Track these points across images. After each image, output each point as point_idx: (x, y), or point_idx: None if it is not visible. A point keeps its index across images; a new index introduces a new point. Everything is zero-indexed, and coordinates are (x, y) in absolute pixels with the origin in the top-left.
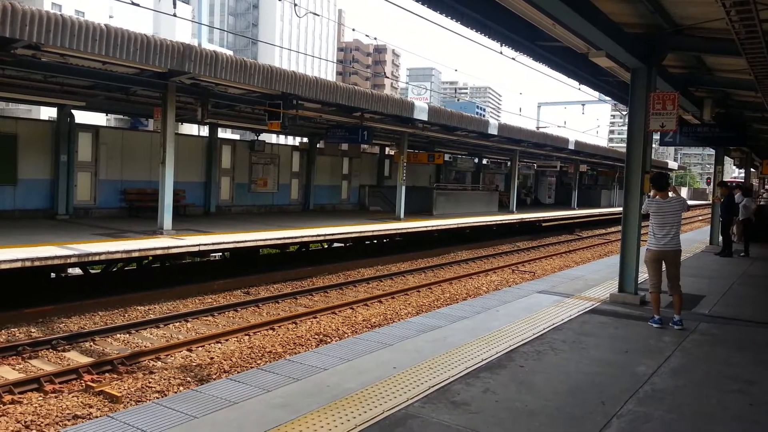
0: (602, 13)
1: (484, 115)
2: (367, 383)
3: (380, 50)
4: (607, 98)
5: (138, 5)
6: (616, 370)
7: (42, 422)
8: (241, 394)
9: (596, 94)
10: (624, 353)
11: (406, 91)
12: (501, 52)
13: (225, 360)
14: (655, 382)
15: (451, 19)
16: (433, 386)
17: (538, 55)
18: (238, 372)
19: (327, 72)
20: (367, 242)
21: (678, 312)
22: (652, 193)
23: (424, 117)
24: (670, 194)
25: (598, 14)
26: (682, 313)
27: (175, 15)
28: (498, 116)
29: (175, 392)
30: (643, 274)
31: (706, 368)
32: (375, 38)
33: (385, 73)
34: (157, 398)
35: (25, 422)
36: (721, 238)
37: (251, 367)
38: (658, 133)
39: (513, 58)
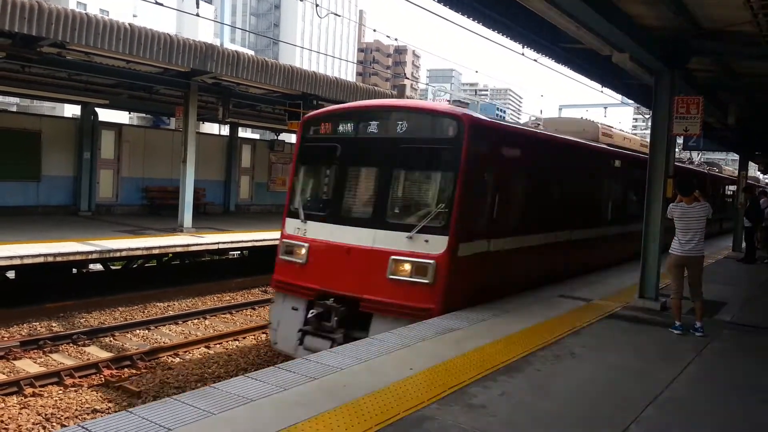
0: (626, 15)
1: (504, 118)
2: (384, 384)
3: (400, 51)
4: (630, 101)
5: (162, 5)
6: (635, 376)
7: (62, 415)
8: (259, 392)
9: (619, 96)
10: (643, 359)
11: (426, 92)
12: (523, 54)
13: (242, 357)
14: (675, 389)
15: (474, 20)
16: (449, 388)
17: (561, 57)
18: (255, 370)
19: (347, 72)
20: None
21: (699, 319)
22: (677, 198)
23: None
24: (695, 200)
25: (622, 16)
26: (704, 319)
27: (198, 15)
28: (519, 118)
29: (193, 388)
30: (665, 280)
31: (728, 376)
32: (396, 39)
33: (405, 73)
34: (175, 394)
35: (45, 415)
36: (744, 244)
37: (268, 365)
38: (682, 137)
39: (535, 60)
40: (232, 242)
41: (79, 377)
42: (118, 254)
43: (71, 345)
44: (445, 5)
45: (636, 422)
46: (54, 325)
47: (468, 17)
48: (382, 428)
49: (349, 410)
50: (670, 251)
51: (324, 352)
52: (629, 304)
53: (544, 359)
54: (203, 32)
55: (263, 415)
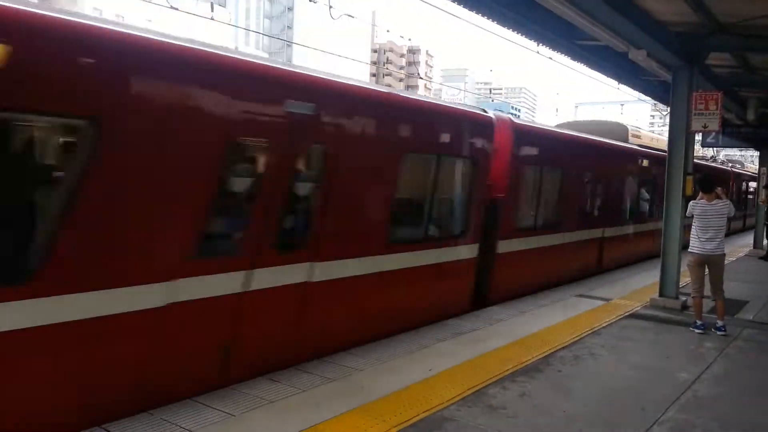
0: (643, 12)
1: (518, 116)
2: (403, 385)
3: (414, 51)
4: (647, 98)
5: (176, 9)
6: (657, 376)
7: None
8: (278, 394)
9: (635, 93)
10: (665, 359)
11: (440, 93)
12: (537, 52)
13: None
14: (698, 389)
15: (488, 18)
16: (469, 389)
17: (576, 54)
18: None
19: (361, 73)
20: None
21: (721, 317)
22: (698, 196)
23: None
24: (716, 197)
25: (639, 12)
26: (725, 318)
27: (212, 18)
28: (533, 116)
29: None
30: (685, 278)
31: (751, 375)
32: (409, 39)
33: (419, 73)
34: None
35: None
36: (765, 241)
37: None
38: (700, 133)
39: (550, 58)
40: None
41: None
42: None
43: None
44: (459, 4)
45: (658, 423)
46: None
47: (482, 15)
48: (401, 429)
49: (368, 411)
50: (689, 250)
51: (343, 353)
52: (649, 303)
53: (564, 360)
54: (217, 36)
55: (283, 416)
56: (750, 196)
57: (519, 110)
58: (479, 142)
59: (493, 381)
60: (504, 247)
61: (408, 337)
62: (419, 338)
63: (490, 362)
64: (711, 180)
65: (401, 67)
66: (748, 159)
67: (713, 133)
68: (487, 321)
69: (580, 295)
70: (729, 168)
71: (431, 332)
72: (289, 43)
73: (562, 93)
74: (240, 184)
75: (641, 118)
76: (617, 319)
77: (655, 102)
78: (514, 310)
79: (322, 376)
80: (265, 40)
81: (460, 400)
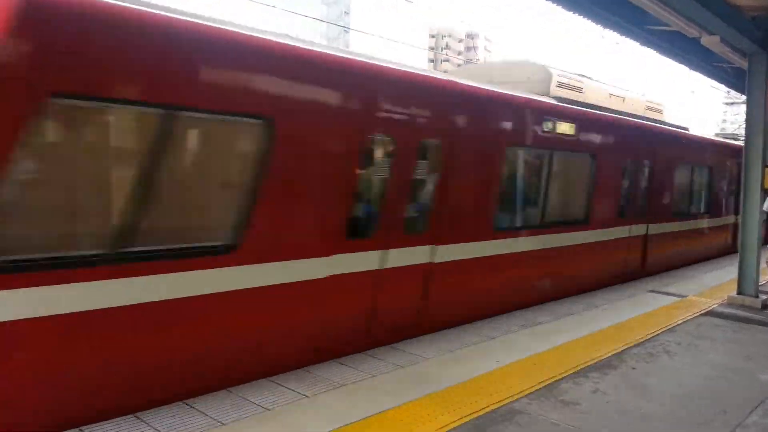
0: None
1: None
2: (470, 375)
3: (472, 36)
4: (721, 85)
5: None
6: (737, 377)
7: None
8: (347, 378)
9: (708, 81)
10: (745, 359)
11: None
12: (602, 37)
13: None
14: None
15: (554, 3)
16: (540, 383)
17: (645, 40)
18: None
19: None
20: None
21: None
22: None
23: None
24: None
25: None
26: None
27: (274, 7)
28: None
29: None
30: (766, 276)
31: None
32: (469, 24)
33: (478, 59)
34: None
35: None
36: None
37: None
38: None
39: (616, 43)
40: None
41: None
42: None
43: None
44: None
45: (741, 426)
46: None
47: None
48: (470, 420)
49: (435, 400)
50: None
51: (410, 340)
52: (726, 300)
53: (638, 357)
54: (273, 23)
55: (353, 399)
56: None
57: None
58: None
59: (565, 376)
60: None
61: (476, 327)
62: (486, 330)
63: (560, 356)
64: None
65: (459, 53)
66: None
67: None
68: (555, 315)
69: (653, 291)
70: None
71: (499, 324)
72: (347, 29)
73: (627, 80)
74: None
75: (715, 107)
76: (693, 316)
77: (729, 90)
78: (583, 304)
79: (392, 363)
80: (323, 27)
81: (530, 394)
